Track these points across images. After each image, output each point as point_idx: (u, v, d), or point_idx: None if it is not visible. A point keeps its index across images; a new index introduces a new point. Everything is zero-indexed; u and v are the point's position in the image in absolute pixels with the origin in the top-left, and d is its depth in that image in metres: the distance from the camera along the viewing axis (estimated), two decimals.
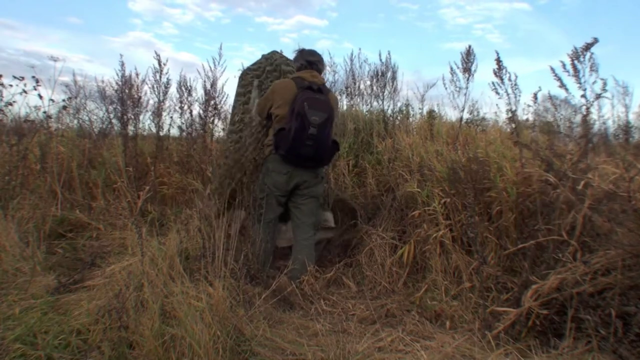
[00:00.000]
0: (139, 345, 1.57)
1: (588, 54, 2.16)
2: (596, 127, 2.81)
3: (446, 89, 3.42)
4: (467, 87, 3.35)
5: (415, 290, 2.43)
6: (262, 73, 2.90)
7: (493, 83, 2.41)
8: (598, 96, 2.18)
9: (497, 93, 2.40)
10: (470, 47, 3.27)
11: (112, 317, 1.61)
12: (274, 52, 3.04)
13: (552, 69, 2.23)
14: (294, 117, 2.32)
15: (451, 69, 3.36)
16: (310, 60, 2.56)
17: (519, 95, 2.38)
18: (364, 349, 1.77)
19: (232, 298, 1.99)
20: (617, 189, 1.88)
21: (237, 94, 2.98)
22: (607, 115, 2.82)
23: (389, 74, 4.20)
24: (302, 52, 2.64)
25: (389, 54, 4.23)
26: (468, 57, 3.28)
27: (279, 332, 1.91)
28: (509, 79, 2.39)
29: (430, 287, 2.36)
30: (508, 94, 2.37)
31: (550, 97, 2.57)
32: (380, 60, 4.23)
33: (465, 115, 3.63)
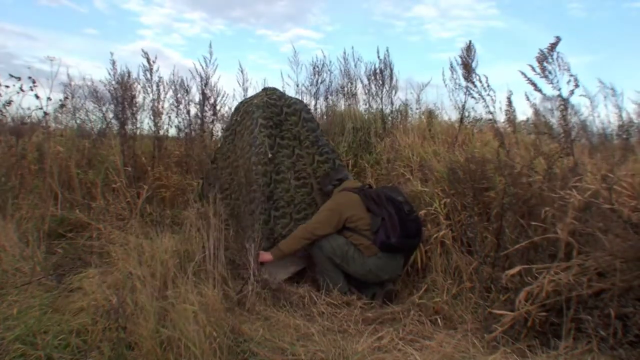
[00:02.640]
0: (138, 345, 1.57)
1: (555, 54, 2.19)
2: (594, 127, 2.82)
3: (446, 85, 3.38)
4: (467, 85, 3.31)
5: (415, 290, 2.43)
6: (281, 113, 2.92)
7: (466, 87, 2.43)
8: (571, 92, 2.22)
9: (473, 97, 2.41)
10: (470, 42, 3.14)
11: (111, 318, 1.61)
12: (275, 90, 3.06)
13: (523, 74, 2.25)
14: (383, 205, 2.44)
15: (451, 65, 3.30)
16: (341, 178, 2.76)
17: (494, 97, 2.40)
18: (364, 348, 1.77)
19: (228, 299, 2.00)
20: (597, 199, 1.87)
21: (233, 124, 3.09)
22: (602, 115, 2.83)
23: (387, 72, 4.18)
24: (326, 178, 2.80)
25: (387, 51, 4.17)
26: (468, 53, 3.21)
27: (279, 333, 1.91)
28: (479, 81, 2.40)
29: (430, 287, 2.36)
30: (482, 96, 2.38)
31: (528, 99, 2.58)
32: (379, 57, 4.18)
33: (459, 115, 3.60)
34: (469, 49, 3.17)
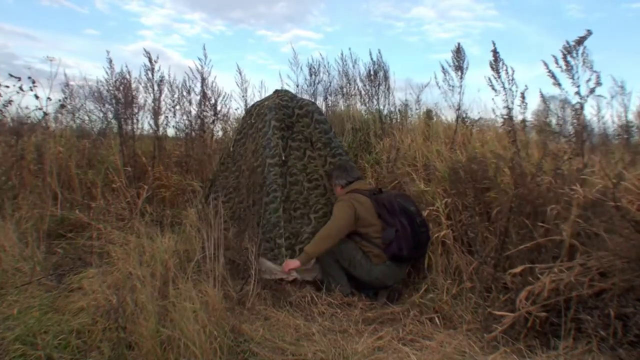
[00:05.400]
0: (138, 345, 1.57)
1: (581, 49, 2.10)
2: (595, 127, 2.81)
3: (439, 87, 3.41)
4: (460, 86, 3.33)
5: (415, 290, 2.43)
6: (292, 115, 2.92)
7: (489, 78, 2.30)
8: (592, 90, 2.12)
9: (494, 89, 2.30)
10: (459, 44, 3.21)
11: (111, 318, 1.61)
12: (287, 92, 3.08)
13: (546, 64, 2.16)
14: (397, 216, 2.42)
15: (442, 67, 3.33)
16: (356, 176, 2.73)
17: (517, 91, 2.28)
18: (364, 348, 1.77)
19: (228, 298, 1.99)
20: (603, 196, 1.85)
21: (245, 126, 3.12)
22: (606, 115, 2.81)
23: (381, 74, 4.19)
24: (344, 172, 2.71)
25: (379, 52, 4.19)
26: (458, 55, 3.24)
27: (279, 333, 1.90)
28: (506, 72, 2.27)
29: (430, 287, 2.36)
30: (505, 89, 2.27)
31: (542, 96, 2.53)
32: (372, 59, 4.20)
33: (461, 114, 3.61)
34: (459, 51, 3.22)
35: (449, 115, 3.85)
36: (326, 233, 2.46)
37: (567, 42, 2.11)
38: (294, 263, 2.42)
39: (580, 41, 2.10)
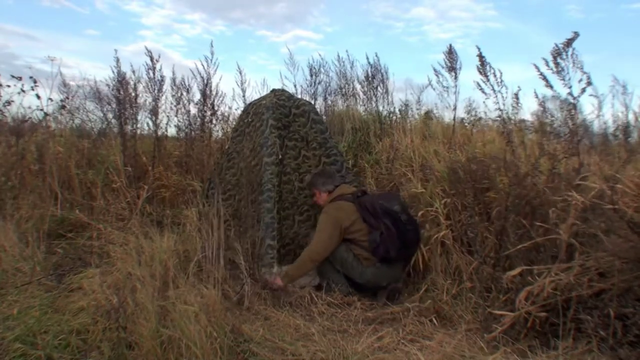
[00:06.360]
0: (138, 345, 1.57)
1: (570, 50, 2.13)
2: (595, 127, 2.81)
3: (434, 89, 3.43)
4: (455, 86, 3.36)
5: (415, 290, 2.43)
6: (289, 114, 2.94)
7: (477, 83, 2.35)
8: (583, 90, 2.15)
9: (484, 92, 2.34)
10: (451, 46, 3.26)
11: (111, 318, 1.61)
12: (284, 91, 3.10)
13: (537, 67, 2.19)
14: (380, 219, 2.40)
15: (435, 70, 3.37)
16: (340, 181, 2.72)
17: (506, 93, 2.32)
18: (364, 348, 1.77)
19: (228, 298, 1.99)
20: (600, 199, 1.85)
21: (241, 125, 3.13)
22: (607, 114, 2.81)
23: (379, 76, 4.22)
24: (329, 178, 2.67)
25: (376, 55, 4.23)
26: (451, 56, 3.27)
27: (279, 333, 1.90)
28: (494, 75, 2.31)
29: (430, 287, 2.36)
30: (495, 92, 2.31)
31: (536, 97, 2.54)
32: (369, 62, 4.24)
33: (460, 115, 3.64)
34: (451, 52, 3.25)
35: (448, 116, 3.87)
36: (307, 256, 2.44)
37: (556, 45, 2.14)
38: (278, 282, 2.39)
39: (569, 43, 2.13)
